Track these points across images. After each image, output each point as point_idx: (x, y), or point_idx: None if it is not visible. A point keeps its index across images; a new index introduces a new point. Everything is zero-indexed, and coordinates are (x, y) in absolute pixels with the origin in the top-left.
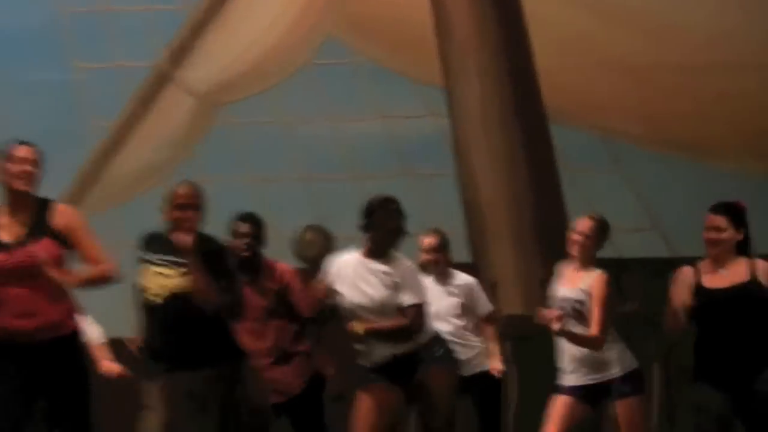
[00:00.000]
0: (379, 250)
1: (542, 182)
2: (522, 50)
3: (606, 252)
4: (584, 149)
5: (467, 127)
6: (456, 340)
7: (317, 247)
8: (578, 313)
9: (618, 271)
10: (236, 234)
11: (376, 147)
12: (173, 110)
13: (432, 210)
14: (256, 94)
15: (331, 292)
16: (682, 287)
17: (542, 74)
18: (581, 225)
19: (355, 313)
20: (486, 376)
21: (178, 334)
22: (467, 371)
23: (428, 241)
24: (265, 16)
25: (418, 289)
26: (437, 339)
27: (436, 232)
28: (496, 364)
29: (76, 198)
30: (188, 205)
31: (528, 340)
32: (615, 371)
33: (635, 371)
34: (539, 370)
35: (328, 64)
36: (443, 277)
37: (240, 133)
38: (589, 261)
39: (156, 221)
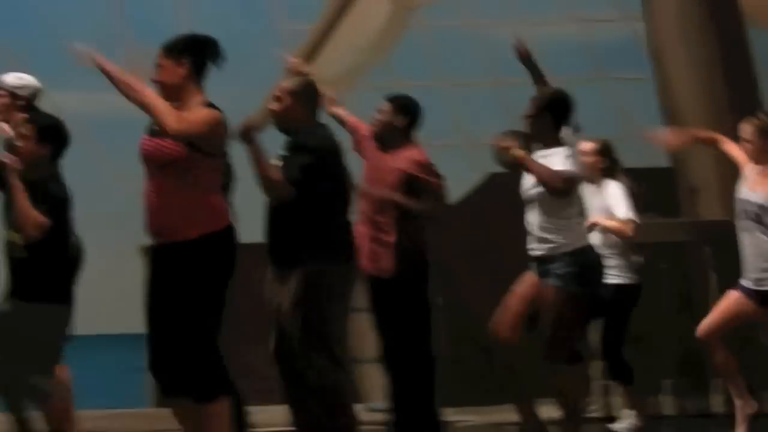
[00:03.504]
0: None
1: (740, 86)
2: None
3: None
4: None
5: (664, 31)
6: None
7: None
8: (758, 217)
9: None
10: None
11: (569, 51)
12: (370, 13)
13: (628, 114)
14: None
15: None
16: None
17: None
18: (743, 131)
19: None
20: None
21: None
22: None
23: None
24: None
25: None
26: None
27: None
28: None
29: None
30: None
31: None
32: None
33: None
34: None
35: None
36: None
37: (430, 38)
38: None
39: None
